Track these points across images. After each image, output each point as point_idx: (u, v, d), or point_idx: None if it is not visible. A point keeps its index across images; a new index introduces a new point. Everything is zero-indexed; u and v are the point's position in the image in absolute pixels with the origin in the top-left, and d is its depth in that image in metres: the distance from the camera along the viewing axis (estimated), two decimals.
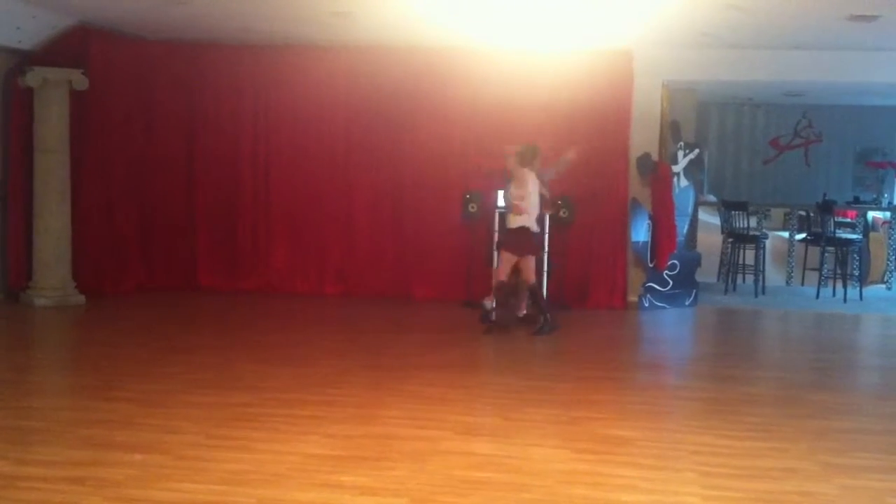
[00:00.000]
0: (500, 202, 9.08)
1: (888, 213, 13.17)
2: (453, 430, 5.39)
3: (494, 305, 8.72)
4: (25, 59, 9.35)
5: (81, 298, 9.43)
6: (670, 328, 9.71)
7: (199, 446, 4.97)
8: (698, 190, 11.52)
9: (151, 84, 10.45)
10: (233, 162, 10.71)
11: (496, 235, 9.34)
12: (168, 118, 10.57)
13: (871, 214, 13.31)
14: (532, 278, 8.60)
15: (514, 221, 8.52)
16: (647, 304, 10.21)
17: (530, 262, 8.57)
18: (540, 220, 8.81)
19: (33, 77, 9.12)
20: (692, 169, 10.68)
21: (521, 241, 8.51)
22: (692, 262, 10.80)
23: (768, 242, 12.06)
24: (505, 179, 8.82)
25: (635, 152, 10.14)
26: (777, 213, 14.35)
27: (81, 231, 9.66)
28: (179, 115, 10.62)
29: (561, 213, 9.61)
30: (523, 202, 8.47)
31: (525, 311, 8.92)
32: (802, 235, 12.62)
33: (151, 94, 10.45)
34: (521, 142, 8.97)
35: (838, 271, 11.49)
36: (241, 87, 10.60)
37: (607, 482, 4.59)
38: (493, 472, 4.69)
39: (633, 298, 10.24)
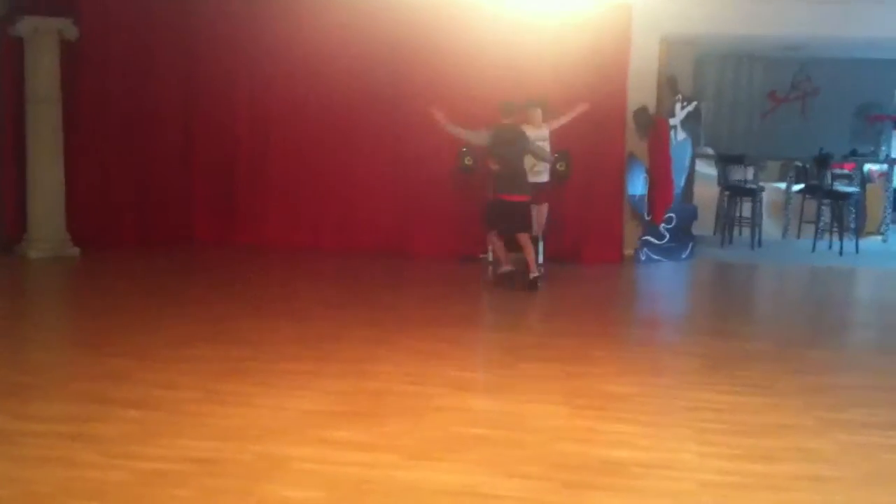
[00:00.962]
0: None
1: (885, 166, 13.14)
2: (449, 386, 5.37)
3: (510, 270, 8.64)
4: (15, 8, 9.19)
5: (76, 251, 9.38)
6: (667, 282, 9.70)
7: (195, 401, 4.95)
8: (695, 143, 11.45)
9: (145, 32, 10.21)
10: (230, 113, 10.63)
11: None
12: (163, 70, 10.37)
13: (867, 167, 13.28)
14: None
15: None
16: (643, 258, 10.20)
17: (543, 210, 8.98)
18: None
19: (23, 26, 8.99)
20: (690, 122, 10.60)
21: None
22: (689, 215, 10.78)
23: (765, 195, 12.03)
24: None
25: (632, 106, 10.05)
26: (774, 166, 14.29)
27: (76, 184, 9.58)
28: (175, 66, 10.45)
29: (558, 167, 9.55)
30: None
31: (508, 267, 8.84)
32: (800, 187, 12.59)
33: (145, 43, 10.22)
34: (518, 96, 8.90)
35: (834, 224, 11.48)
36: (238, 37, 10.44)
37: (603, 439, 4.59)
38: (487, 429, 4.68)
39: (629, 252, 10.23)
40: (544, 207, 9.22)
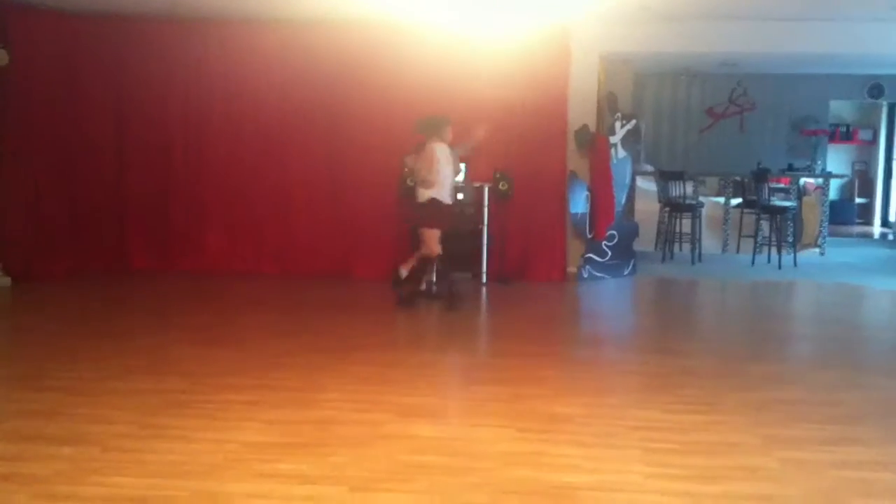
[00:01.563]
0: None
1: (821, 180, 13.38)
2: (395, 413, 5.28)
3: (405, 275, 8.59)
4: None
5: (6, 281, 9.11)
6: (610, 300, 9.73)
7: (130, 437, 4.79)
8: (636, 160, 11.55)
9: (77, 60, 10.06)
10: (163, 140, 10.44)
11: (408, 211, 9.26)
12: (95, 96, 10.21)
13: (802, 180, 13.53)
14: (436, 250, 8.49)
15: (423, 195, 8.42)
16: (586, 275, 10.22)
17: (435, 234, 8.46)
18: (453, 193, 8.68)
19: None
20: (630, 139, 10.66)
21: (429, 213, 8.41)
22: (630, 232, 10.84)
23: (704, 210, 12.16)
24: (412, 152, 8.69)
25: (573, 125, 10.09)
26: (712, 181, 14.49)
27: (6, 213, 9.32)
28: (107, 93, 10.28)
29: (500, 187, 9.57)
30: (430, 175, 8.34)
31: (428, 286, 8.79)
32: (738, 202, 12.76)
33: (77, 71, 10.07)
34: (461, 117, 8.88)
35: (773, 238, 11.64)
36: (170, 64, 10.29)
37: (551, 462, 4.53)
38: (435, 456, 4.60)
39: (572, 269, 10.24)
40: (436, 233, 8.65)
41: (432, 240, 8.44)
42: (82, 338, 7.15)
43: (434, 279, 8.74)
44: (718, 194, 13.72)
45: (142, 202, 10.48)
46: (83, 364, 6.28)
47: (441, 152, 8.36)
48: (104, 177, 10.35)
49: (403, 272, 8.61)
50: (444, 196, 8.44)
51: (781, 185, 13.06)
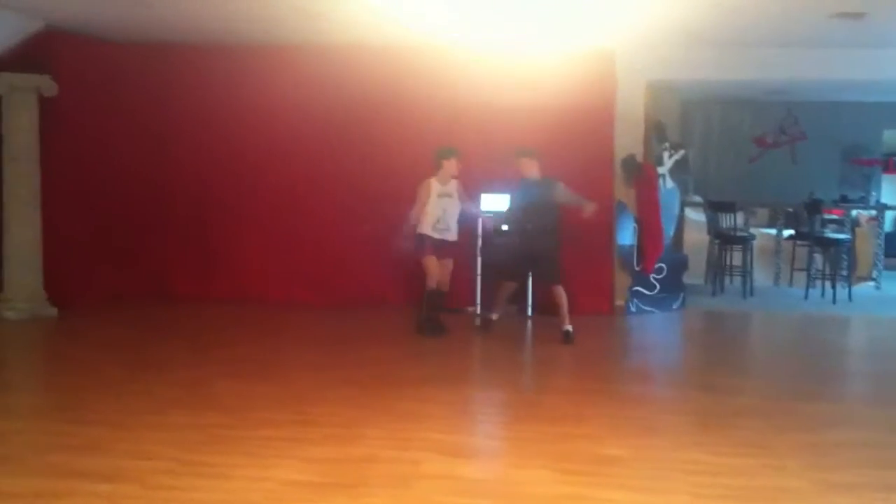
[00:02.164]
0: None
1: (874, 212, 13.06)
2: (435, 451, 5.16)
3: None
4: None
5: (53, 311, 9.15)
6: (658, 334, 9.53)
7: (170, 473, 4.73)
8: (684, 191, 11.36)
9: (124, 88, 10.17)
10: (206, 167, 10.48)
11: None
12: (141, 123, 10.31)
13: (855, 211, 13.20)
14: (429, 283, 8.53)
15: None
16: (633, 309, 10.04)
17: (430, 265, 8.50)
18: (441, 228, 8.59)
19: (0, 83, 8.85)
20: (678, 170, 10.50)
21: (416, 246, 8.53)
22: (679, 264, 10.64)
23: (755, 242, 11.90)
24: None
25: (619, 154, 9.95)
26: (763, 212, 14.19)
27: (52, 241, 9.36)
28: (153, 119, 10.38)
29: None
30: (415, 209, 8.57)
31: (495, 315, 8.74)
32: (790, 232, 12.48)
33: (124, 99, 10.17)
34: (502, 144, 8.81)
35: (826, 271, 11.36)
36: (212, 90, 10.36)
37: None
38: (475, 498, 4.48)
39: (619, 303, 10.06)
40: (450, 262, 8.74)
41: (428, 270, 8.44)
42: (123, 369, 7.13)
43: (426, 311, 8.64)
44: (769, 225, 13.45)
45: (183, 228, 10.55)
46: (124, 397, 6.25)
47: (429, 187, 8.46)
48: (147, 204, 10.44)
49: (495, 315, 8.68)
50: (427, 230, 8.46)
51: (834, 217, 12.75)
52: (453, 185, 8.63)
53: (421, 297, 8.62)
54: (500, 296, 8.73)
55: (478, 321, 8.91)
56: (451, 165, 8.49)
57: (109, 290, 10.05)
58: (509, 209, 8.75)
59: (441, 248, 8.45)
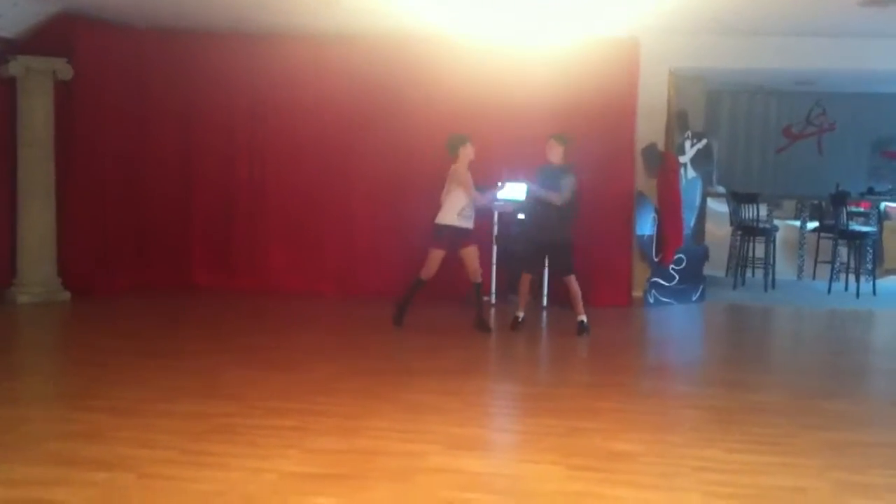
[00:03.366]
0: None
1: None
2: (442, 444, 5.05)
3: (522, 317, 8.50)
4: (7, 48, 9.01)
5: (67, 296, 9.14)
6: (676, 327, 9.36)
7: (169, 463, 4.65)
8: (707, 181, 11.16)
9: (143, 74, 10.08)
10: (228, 156, 10.39)
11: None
12: (161, 110, 10.21)
13: (883, 204, 12.93)
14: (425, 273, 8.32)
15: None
16: (652, 301, 9.88)
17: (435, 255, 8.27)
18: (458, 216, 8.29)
19: (16, 66, 8.82)
20: (700, 160, 10.31)
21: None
22: (699, 256, 10.46)
23: (778, 234, 11.69)
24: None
25: (641, 143, 9.78)
26: (788, 203, 13.95)
27: (70, 227, 9.36)
28: (173, 107, 10.27)
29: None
30: (442, 197, 8.32)
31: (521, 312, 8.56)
32: (814, 225, 12.25)
33: (143, 85, 10.09)
34: (526, 132, 8.65)
35: (851, 264, 11.13)
36: (236, 79, 10.25)
37: None
38: (479, 493, 4.36)
39: (637, 294, 9.90)
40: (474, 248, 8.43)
41: (430, 262, 8.25)
42: (134, 356, 7.06)
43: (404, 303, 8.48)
44: (794, 217, 13.21)
45: (206, 218, 10.45)
46: (131, 384, 6.17)
47: (452, 174, 8.22)
48: (168, 193, 10.34)
49: (521, 314, 8.50)
50: (450, 220, 8.20)
51: (861, 209, 12.49)
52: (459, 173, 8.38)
53: (413, 287, 8.40)
54: (523, 291, 8.53)
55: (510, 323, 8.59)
56: (469, 151, 8.29)
57: (128, 278, 10.01)
58: (526, 198, 8.59)
59: (459, 237, 8.29)
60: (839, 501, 4.37)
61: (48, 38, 9.09)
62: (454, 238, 8.23)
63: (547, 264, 8.91)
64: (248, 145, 10.37)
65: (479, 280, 8.38)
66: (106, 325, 8.42)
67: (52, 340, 8.23)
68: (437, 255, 8.22)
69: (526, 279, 8.52)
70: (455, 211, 8.19)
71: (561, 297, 9.16)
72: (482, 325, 8.32)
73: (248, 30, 9.96)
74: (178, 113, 10.29)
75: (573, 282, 8.25)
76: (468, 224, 8.28)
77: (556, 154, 8.28)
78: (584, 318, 8.21)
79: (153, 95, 10.15)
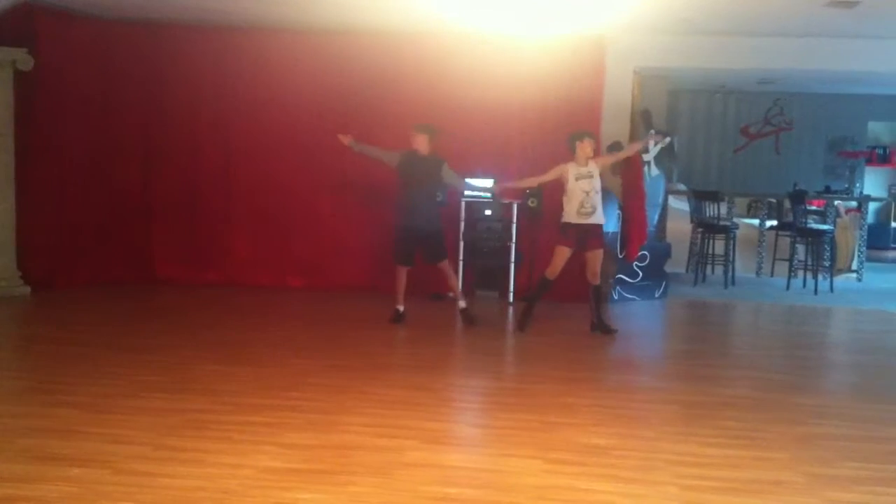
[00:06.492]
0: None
1: (855, 203, 13.05)
2: (420, 439, 5.05)
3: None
4: None
5: (26, 290, 8.98)
6: (642, 322, 9.45)
7: (144, 459, 4.59)
8: (669, 179, 11.27)
9: (106, 66, 9.91)
10: (191, 148, 10.27)
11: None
12: (125, 102, 10.07)
13: (837, 202, 13.17)
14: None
15: None
16: (616, 297, 9.96)
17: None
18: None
19: None
20: (663, 157, 10.42)
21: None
22: (662, 252, 10.58)
23: (738, 231, 11.84)
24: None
25: (606, 141, 9.83)
26: (741, 202, 14.14)
27: (30, 220, 9.17)
28: (137, 99, 10.13)
29: (529, 203, 9.37)
30: None
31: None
32: (773, 223, 12.44)
33: (106, 77, 9.92)
34: (489, 130, 8.65)
35: (809, 262, 11.33)
36: (201, 71, 10.14)
37: (583, 498, 4.29)
38: (460, 488, 4.37)
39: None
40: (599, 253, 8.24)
41: (555, 260, 8.22)
42: (101, 350, 6.96)
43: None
44: (752, 215, 13.40)
45: (168, 210, 10.32)
46: (101, 379, 6.09)
47: (566, 171, 8.06)
48: (132, 185, 10.20)
49: (401, 307, 8.46)
50: (571, 217, 8.09)
51: (815, 208, 12.73)
52: (592, 166, 8.09)
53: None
54: (400, 284, 8.39)
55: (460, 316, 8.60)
56: (584, 147, 8.09)
57: (90, 272, 9.85)
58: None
59: (585, 236, 8.07)
60: (813, 492, 4.44)
61: (9, 27, 8.90)
62: (580, 235, 8.07)
63: (421, 254, 8.53)
64: (213, 138, 10.26)
65: (596, 283, 8.27)
66: (69, 320, 8.28)
67: (15, 335, 8.06)
68: (561, 252, 8.10)
69: (402, 271, 8.40)
70: (574, 209, 8.03)
71: (526, 291, 9.22)
72: (602, 328, 8.30)
73: (215, 21, 9.86)
74: (141, 105, 10.16)
75: (447, 267, 8.33)
76: (590, 220, 8.06)
77: (421, 143, 8.26)
78: (464, 304, 8.37)
79: (116, 87, 9.99)
